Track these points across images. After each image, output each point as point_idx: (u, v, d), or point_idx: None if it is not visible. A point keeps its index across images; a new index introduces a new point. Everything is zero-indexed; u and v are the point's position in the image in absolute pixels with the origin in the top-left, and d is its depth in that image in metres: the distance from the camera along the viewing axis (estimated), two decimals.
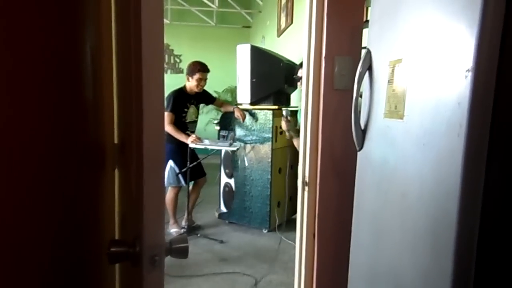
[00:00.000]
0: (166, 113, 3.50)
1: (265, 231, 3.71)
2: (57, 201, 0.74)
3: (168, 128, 3.47)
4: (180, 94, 3.60)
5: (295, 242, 1.97)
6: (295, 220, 2.05)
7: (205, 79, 3.66)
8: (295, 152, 1.95)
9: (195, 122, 3.82)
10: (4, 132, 0.56)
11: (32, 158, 0.64)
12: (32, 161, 0.64)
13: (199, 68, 3.57)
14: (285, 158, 3.81)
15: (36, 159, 0.66)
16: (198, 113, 3.87)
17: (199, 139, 3.50)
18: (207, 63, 3.70)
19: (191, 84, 3.61)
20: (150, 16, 0.69)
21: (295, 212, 2.37)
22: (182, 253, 0.79)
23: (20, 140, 0.61)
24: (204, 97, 3.84)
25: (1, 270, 0.56)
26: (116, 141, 1.25)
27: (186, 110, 3.65)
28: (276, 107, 3.66)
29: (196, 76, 3.57)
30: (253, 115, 3.71)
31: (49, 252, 0.70)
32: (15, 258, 0.60)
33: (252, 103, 3.72)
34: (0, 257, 0.56)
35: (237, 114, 3.70)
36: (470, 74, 0.83)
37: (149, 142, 0.69)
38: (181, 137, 3.47)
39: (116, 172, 1.26)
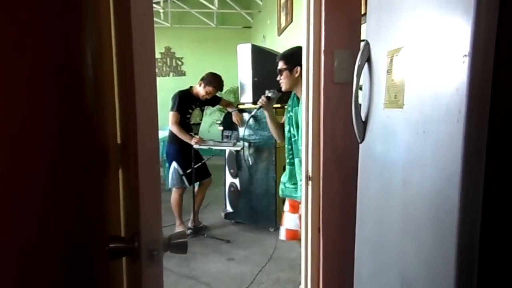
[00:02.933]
0: (171, 113, 3.52)
1: (271, 230, 3.71)
2: (61, 200, 0.74)
3: (173, 128, 3.49)
4: (186, 95, 3.62)
5: None
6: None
7: (214, 95, 3.69)
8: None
9: (199, 124, 3.84)
10: (9, 134, 0.57)
11: (37, 158, 0.65)
12: (36, 162, 0.65)
13: (215, 85, 3.60)
14: None
15: (41, 159, 0.66)
16: (202, 116, 3.89)
17: (202, 140, 3.51)
18: (208, 64, 3.73)
19: (199, 90, 3.62)
20: (140, 19, 0.70)
21: None
22: (181, 248, 0.79)
23: (25, 141, 0.62)
24: (210, 100, 3.84)
25: (5, 273, 0.57)
26: (119, 141, 1.26)
27: (190, 111, 3.66)
28: (279, 105, 3.66)
29: (209, 88, 3.59)
30: (255, 117, 3.70)
31: (53, 251, 0.71)
32: (20, 257, 0.61)
33: (254, 102, 3.72)
34: (5, 258, 0.57)
35: (235, 118, 3.72)
36: (467, 59, 0.83)
37: (143, 142, 0.70)
38: (185, 137, 3.48)
39: (120, 171, 1.27)
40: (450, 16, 0.90)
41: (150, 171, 0.72)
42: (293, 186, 2.33)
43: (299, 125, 2.16)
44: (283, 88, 2.32)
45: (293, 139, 2.27)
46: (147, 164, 0.70)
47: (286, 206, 2.41)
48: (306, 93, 1.76)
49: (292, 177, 2.33)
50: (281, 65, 2.27)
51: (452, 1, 0.89)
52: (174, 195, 3.66)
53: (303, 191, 1.83)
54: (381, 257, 1.25)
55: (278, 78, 2.30)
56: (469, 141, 0.83)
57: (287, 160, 2.35)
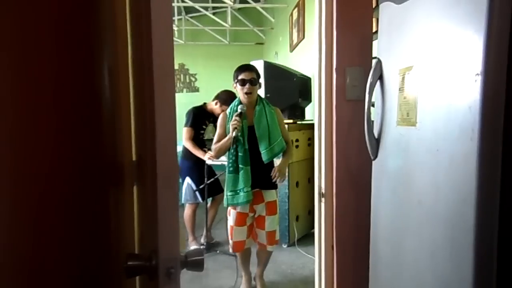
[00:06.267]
0: (185, 129, 3.55)
1: (284, 246, 3.68)
2: (75, 216, 0.76)
3: (187, 144, 3.52)
4: (200, 112, 3.66)
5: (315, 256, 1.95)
6: (314, 234, 2.03)
7: None
8: (312, 165, 1.92)
9: (212, 140, 3.86)
10: (27, 150, 0.59)
11: (53, 173, 0.67)
12: (52, 177, 0.67)
13: (230, 104, 3.64)
14: (302, 171, 3.80)
15: (57, 175, 0.68)
16: (215, 132, 3.92)
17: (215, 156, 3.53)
18: (221, 80, 3.75)
19: (215, 108, 3.65)
20: (161, 38, 0.72)
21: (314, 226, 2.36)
22: (198, 265, 0.80)
23: (44, 159, 0.64)
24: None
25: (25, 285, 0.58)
26: (134, 158, 1.29)
27: (204, 127, 3.69)
28: (291, 121, 3.68)
29: (225, 107, 3.62)
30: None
31: (68, 266, 0.73)
32: (37, 273, 0.62)
33: None
34: (24, 274, 0.58)
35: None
36: (479, 78, 0.83)
37: (162, 159, 0.71)
38: (198, 153, 3.51)
39: (135, 188, 1.29)
40: (461, 35, 0.90)
41: (168, 188, 0.73)
42: (232, 193, 2.44)
43: (260, 138, 2.39)
44: (253, 97, 2.45)
45: (244, 148, 2.40)
46: (165, 182, 0.71)
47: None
48: (318, 110, 1.77)
49: (235, 185, 2.43)
50: (256, 76, 2.43)
51: (463, 20, 0.90)
52: (187, 210, 3.67)
53: (316, 209, 1.82)
54: (396, 276, 1.23)
55: (249, 88, 2.41)
56: (484, 160, 0.83)
57: (232, 169, 2.44)
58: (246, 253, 2.67)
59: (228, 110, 2.55)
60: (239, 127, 2.33)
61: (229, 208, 2.53)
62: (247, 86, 2.40)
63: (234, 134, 2.34)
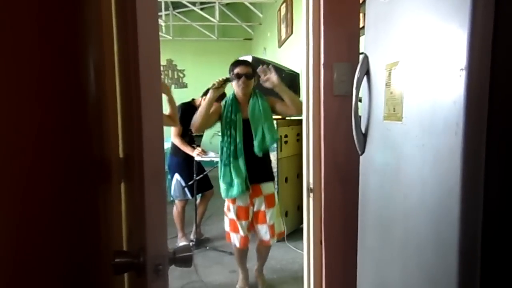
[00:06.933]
0: None
1: (274, 241, 3.69)
2: (63, 214, 0.75)
3: (175, 140, 3.51)
4: (189, 108, 3.64)
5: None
6: (303, 229, 2.04)
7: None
8: (301, 161, 1.93)
9: (201, 136, 3.85)
10: (12, 148, 0.58)
11: (39, 171, 0.66)
12: (38, 174, 0.66)
13: (218, 99, 3.62)
14: (291, 167, 3.82)
15: (43, 172, 0.68)
16: None
17: (204, 152, 3.52)
18: (210, 76, 3.73)
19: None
20: (147, 34, 0.71)
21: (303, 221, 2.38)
22: (186, 262, 0.80)
23: (29, 157, 0.63)
24: None
25: (11, 282, 0.58)
26: (121, 155, 1.27)
27: None
28: (279, 116, 3.68)
29: (215, 103, 3.61)
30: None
31: (55, 264, 0.72)
32: (23, 271, 0.62)
33: None
34: (10, 270, 0.57)
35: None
36: (464, 73, 0.84)
37: (149, 156, 0.71)
38: (186, 149, 3.49)
39: (123, 185, 1.28)
40: (446, 30, 0.91)
41: (156, 185, 0.73)
42: (226, 186, 2.50)
43: (254, 130, 2.43)
44: (248, 90, 2.49)
45: (236, 141, 2.45)
46: (153, 178, 0.71)
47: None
48: (306, 105, 1.78)
49: (229, 177, 2.48)
50: (251, 71, 2.46)
51: (447, 15, 0.91)
52: (176, 207, 3.66)
53: (305, 204, 1.83)
54: (383, 270, 1.25)
55: (243, 82, 2.44)
56: (468, 154, 0.84)
57: (227, 161, 2.49)
58: (245, 250, 2.68)
59: (222, 102, 2.57)
60: (217, 83, 2.42)
61: (227, 203, 2.56)
62: (242, 79, 2.44)
63: (212, 89, 2.43)
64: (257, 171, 2.50)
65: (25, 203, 0.62)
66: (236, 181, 2.43)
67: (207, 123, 2.54)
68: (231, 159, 2.45)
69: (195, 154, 3.47)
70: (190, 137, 3.63)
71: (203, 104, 2.50)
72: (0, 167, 0.56)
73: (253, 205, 2.56)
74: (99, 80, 1.06)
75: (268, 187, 2.57)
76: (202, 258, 3.38)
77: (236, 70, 2.46)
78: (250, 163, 2.45)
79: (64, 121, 0.77)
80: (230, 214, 2.57)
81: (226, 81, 2.46)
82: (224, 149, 2.50)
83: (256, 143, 2.44)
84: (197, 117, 2.50)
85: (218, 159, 3.72)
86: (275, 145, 3.63)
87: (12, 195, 0.59)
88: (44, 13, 0.70)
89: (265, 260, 2.82)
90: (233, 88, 2.56)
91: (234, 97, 2.52)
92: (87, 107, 0.94)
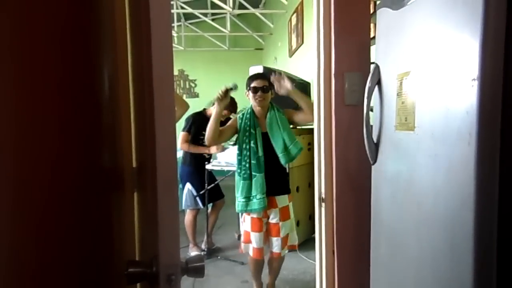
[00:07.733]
0: (181, 133, 3.58)
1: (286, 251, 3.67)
2: (76, 223, 0.77)
3: (183, 146, 3.54)
4: (200, 117, 3.67)
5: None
6: (315, 239, 2.03)
7: (228, 116, 3.73)
8: (313, 170, 1.93)
9: None
10: (30, 157, 0.60)
11: (55, 181, 0.68)
12: (54, 184, 0.67)
13: (230, 108, 3.64)
14: (303, 176, 3.80)
15: (58, 182, 0.69)
16: None
17: (222, 148, 3.55)
18: (221, 86, 3.76)
19: None
20: (160, 45, 0.73)
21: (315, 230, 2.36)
22: (198, 272, 0.80)
23: (44, 165, 0.65)
24: (224, 122, 3.87)
25: None
26: (134, 164, 1.29)
27: (204, 133, 3.70)
28: (291, 126, 3.68)
29: (224, 112, 3.64)
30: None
31: (68, 273, 0.73)
32: (37, 279, 0.63)
33: None
34: (24, 280, 0.59)
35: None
36: (476, 83, 0.84)
37: (162, 166, 0.71)
38: (200, 149, 3.52)
39: (135, 195, 1.29)
40: (457, 40, 0.91)
41: (169, 195, 0.74)
42: (245, 200, 2.47)
43: (275, 143, 2.43)
44: (265, 104, 2.49)
45: (257, 155, 2.45)
46: (165, 188, 0.72)
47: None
48: (317, 115, 1.78)
49: (249, 191, 2.46)
50: (268, 84, 2.46)
51: (459, 25, 0.91)
52: (188, 216, 3.67)
53: (317, 213, 1.82)
54: (396, 280, 1.23)
55: (260, 96, 2.44)
56: (482, 164, 0.83)
57: (245, 176, 2.47)
58: (260, 261, 2.65)
59: (239, 115, 2.60)
60: (220, 96, 2.43)
61: (243, 214, 2.56)
62: (259, 93, 2.45)
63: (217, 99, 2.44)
64: (274, 184, 2.50)
65: (39, 212, 0.63)
66: (257, 196, 2.43)
67: (221, 137, 2.56)
68: (252, 173, 2.44)
69: (215, 150, 3.48)
70: (202, 146, 3.66)
71: (212, 118, 2.52)
72: (15, 174, 0.57)
73: (268, 217, 2.55)
74: (113, 90, 1.08)
75: (284, 200, 2.56)
76: (214, 268, 3.38)
77: (253, 84, 2.47)
78: (268, 176, 2.45)
79: (78, 129, 0.78)
80: (245, 225, 2.56)
81: (229, 90, 2.47)
82: (243, 163, 2.49)
83: (280, 155, 2.44)
84: (208, 132, 2.53)
85: (228, 168, 3.76)
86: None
87: (26, 203, 0.60)
88: (60, 21, 0.72)
89: (277, 274, 2.79)
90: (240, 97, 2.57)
91: (252, 110, 2.53)
92: (101, 116, 0.96)
